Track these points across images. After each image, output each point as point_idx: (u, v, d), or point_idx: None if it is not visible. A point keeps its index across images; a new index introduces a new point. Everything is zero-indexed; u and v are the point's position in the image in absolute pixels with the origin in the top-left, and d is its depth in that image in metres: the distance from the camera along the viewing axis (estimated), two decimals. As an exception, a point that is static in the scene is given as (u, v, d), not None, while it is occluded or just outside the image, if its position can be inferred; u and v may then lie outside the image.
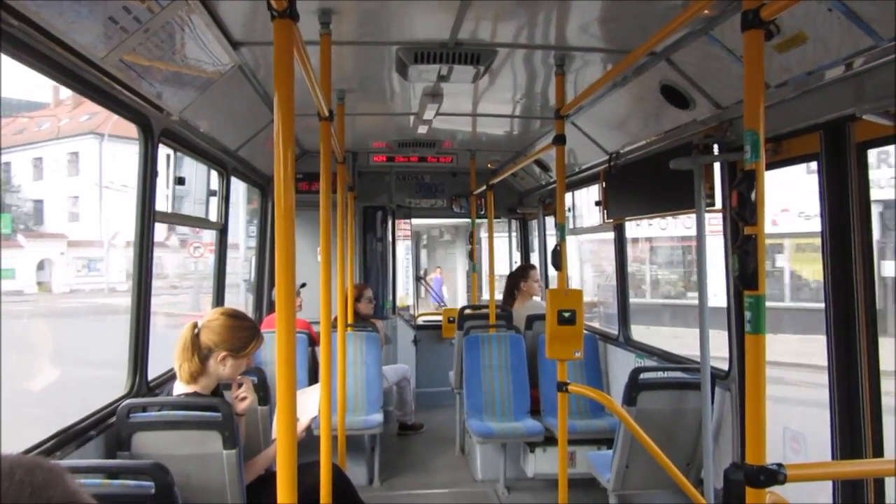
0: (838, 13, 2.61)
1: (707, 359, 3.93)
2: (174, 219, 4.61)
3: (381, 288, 8.84)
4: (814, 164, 3.32)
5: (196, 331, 3.40)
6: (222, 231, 5.47)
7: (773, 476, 2.01)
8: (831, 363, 3.19)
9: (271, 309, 7.15)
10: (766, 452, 2.05)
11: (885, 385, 3.07)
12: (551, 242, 8.19)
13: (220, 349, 3.37)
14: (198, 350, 3.36)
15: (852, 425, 3.10)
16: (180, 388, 3.41)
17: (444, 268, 22.02)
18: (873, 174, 3.18)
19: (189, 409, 3.26)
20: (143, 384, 3.81)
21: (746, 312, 2.04)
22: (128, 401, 3.28)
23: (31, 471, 0.86)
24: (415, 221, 10.59)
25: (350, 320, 6.56)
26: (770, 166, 3.26)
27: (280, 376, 2.08)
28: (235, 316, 3.52)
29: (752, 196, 1.99)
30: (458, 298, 19.51)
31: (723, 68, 3.50)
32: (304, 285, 6.47)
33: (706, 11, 2.96)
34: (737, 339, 4.02)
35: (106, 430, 3.28)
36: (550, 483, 5.91)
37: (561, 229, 4.26)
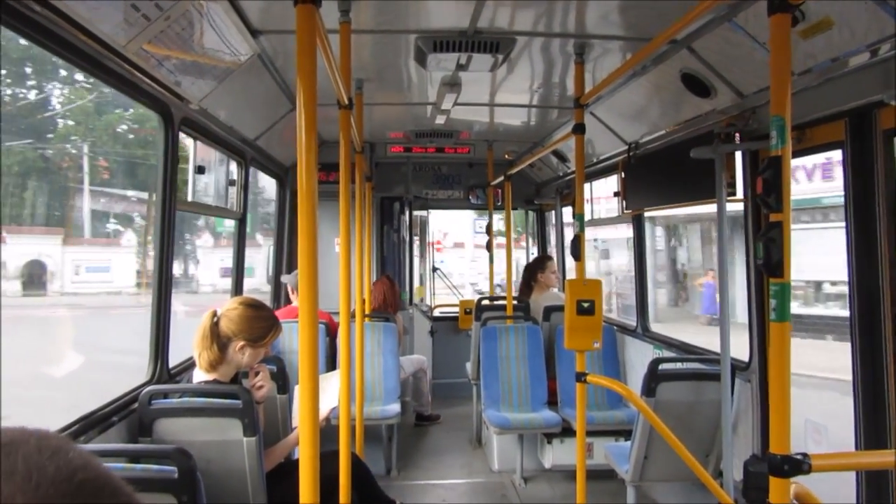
0: None
1: (727, 349, 3.89)
2: (194, 207, 4.64)
3: (398, 278, 8.86)
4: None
5: (215, 319, 3.41)
6: (241, 220, 5.49)
7: (797, 465, 1.99)
8: (855, 353, 3.15)
9: (288, 299, 7.18)
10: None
11: None
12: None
13: (239, 338, 3.39)
14: (217, 338, 3.37)
15: (876, 416, 3.07)
16: (200, 375, 3.43)
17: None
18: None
19: (210, 397, 3.28)
20: (164, 371, 3.84)
21: (771, 300, 2.02)
22: (150, 387, 3.30)
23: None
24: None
25: (368, 310, 6.57)
26: (794, 155, 3.22)
27: (302, 365, 2.08)
28: (254, 306, 3.53)
29: (778, 183, 1.97)
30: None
31: (745, 55, 3.46)
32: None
33: None
34: (758, 329, 3.99)
35: (128, 416, 3.31)
36: (568, 474, 5.91)
37: (580, 219, 4.24)
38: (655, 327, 6.10)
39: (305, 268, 2.09)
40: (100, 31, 2.75)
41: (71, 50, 2.72)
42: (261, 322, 3.47)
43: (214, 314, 3.44)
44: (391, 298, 7.29)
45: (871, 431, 3.09)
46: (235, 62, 4.01)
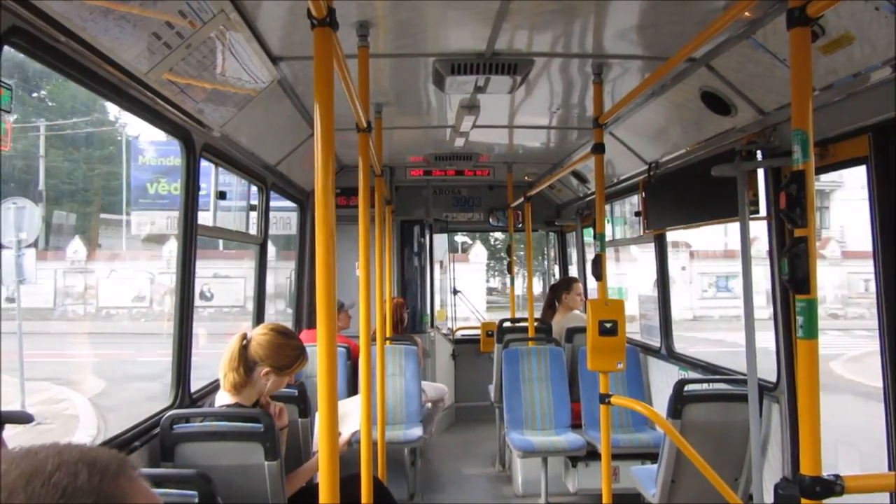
0: (886, 12, 2.54)
1: (754, 370, 3.83)
2: (216, 232, 4.67)
3: (420, 302, 8.84)
4: None
5: (245, 342, 3.41)
6: (262, 245, 5.52)
7: (829, 487, 1.94)
8: (886, 373, 3.07)
9: (312, 324, 7.18)
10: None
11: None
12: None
13: (265, 364, 3.38)
14: (244, 361, 3.37)
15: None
16: (223, 398, 3.43)
17: None
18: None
19: (231, 421, 3.28)
20: (186, 395, 3.84)
21: (798, 317, 1.98)
22: (171, 412, 3.31)
23: (76, 472, 0.85)
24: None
25: (389, 334, 6.55)
26: (818, 171, 3.17)
27: (321, 389, 2.07)
28: (284, 333, 3.52)
29: (802, 197, 1.94)
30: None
31: (765, 73, 3.44)
32: (352, 305, 6.40)
33: (747, 13, 2.91)
34: (785, 348, 3.91)
35: (150, 440, 3.31)
36: (593, 498, 5.82)
37: (601, 239, 4.21)
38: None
39: (323, 291, 2.08)
40: (122, 59, 2.79)
41: (94, 79, 2.76)
42: (289, 350, 3.46)
43: (244, 337, 3.44)
44: (393, 320, 7.24)
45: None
46: (256, 89, 4.05)
